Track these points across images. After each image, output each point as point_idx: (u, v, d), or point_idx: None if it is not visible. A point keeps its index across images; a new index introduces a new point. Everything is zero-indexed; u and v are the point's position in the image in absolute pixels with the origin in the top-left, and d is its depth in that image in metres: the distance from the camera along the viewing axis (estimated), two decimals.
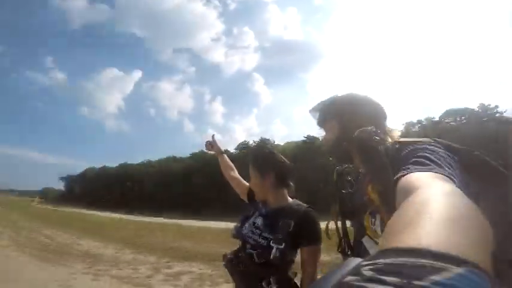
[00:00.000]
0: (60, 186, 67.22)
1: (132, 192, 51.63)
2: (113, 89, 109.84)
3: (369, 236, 0.71)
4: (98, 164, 63.23)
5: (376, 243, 0.68)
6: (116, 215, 18.84)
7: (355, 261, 0.22)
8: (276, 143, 41.63)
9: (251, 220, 1.23)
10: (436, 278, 0.16)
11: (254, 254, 1.12)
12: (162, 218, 17.72)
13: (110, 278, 4.05)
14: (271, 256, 1.08)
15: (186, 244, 7.17)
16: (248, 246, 1.17)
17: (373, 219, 0.69)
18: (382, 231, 0.64)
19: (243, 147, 45.25)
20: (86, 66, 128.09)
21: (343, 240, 0.86)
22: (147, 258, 5.50)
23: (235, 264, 1.19)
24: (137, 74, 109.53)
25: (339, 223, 0.86)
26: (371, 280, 0.17)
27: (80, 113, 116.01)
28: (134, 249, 6.36)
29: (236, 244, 1.24)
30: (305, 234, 1.12)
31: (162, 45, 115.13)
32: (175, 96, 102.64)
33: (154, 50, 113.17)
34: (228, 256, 1.24)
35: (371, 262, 0.19)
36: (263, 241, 1.13)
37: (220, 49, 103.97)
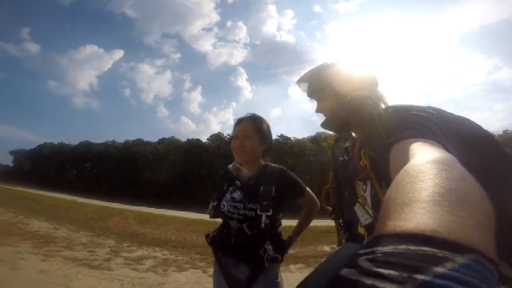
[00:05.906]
0: (8, 161, 59.67)
1: (91, 172, 48.09)
2: (88, 66, 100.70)
3: (360, 203, 0.69)
4: (56, 141, 56.93)
5: (367, 211, 0.67)
6: (70, 197, 17.35)
7: (351, 247, 0.21)
8: None
9: (228, 196, 1.21)
10: (439, 269, 0.15)
11: (245, 227, 1.12)
12: (120, 204, 16.78)
13: (63, 259, 3.77)
14: (262, 225, 1.09)
15: (146, 230, 6.88)
16: (233, 222, 1.16)
17: (364, 186, 0.66)
18: (372, 198, 0.64)
19: (216, 138, 44.63)
20: (64, 41, 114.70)
21: (336, 207, 0.85)
22: (105, 242, 5.19)
23: (224, 239, 1.18)
24: (118, 54, 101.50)
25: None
26: (369, 274, 0.16)
27: (46, 87, 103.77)
28: (90, 232, 5.96)
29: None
30: (290, 189, 1.18)
31: (152, 28, 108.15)
32: (154, 79, 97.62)
33: (143, 31, 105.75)
34: (212, 234, 1.23)
35: (368, 250, 0.18)
36: (250, 212, 1.13)
37: (210, 40, 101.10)
